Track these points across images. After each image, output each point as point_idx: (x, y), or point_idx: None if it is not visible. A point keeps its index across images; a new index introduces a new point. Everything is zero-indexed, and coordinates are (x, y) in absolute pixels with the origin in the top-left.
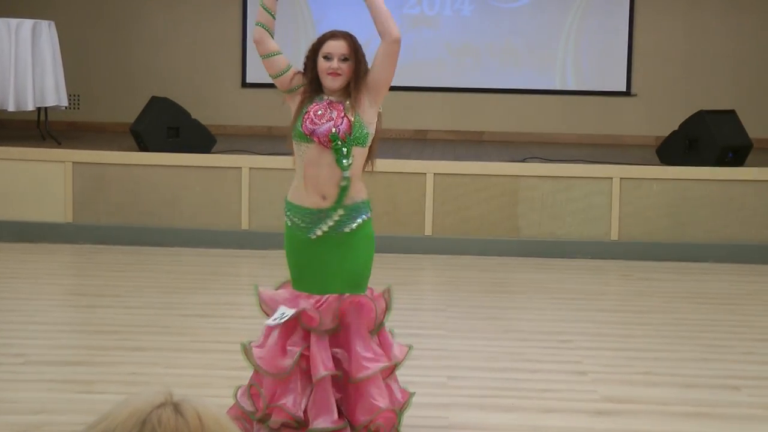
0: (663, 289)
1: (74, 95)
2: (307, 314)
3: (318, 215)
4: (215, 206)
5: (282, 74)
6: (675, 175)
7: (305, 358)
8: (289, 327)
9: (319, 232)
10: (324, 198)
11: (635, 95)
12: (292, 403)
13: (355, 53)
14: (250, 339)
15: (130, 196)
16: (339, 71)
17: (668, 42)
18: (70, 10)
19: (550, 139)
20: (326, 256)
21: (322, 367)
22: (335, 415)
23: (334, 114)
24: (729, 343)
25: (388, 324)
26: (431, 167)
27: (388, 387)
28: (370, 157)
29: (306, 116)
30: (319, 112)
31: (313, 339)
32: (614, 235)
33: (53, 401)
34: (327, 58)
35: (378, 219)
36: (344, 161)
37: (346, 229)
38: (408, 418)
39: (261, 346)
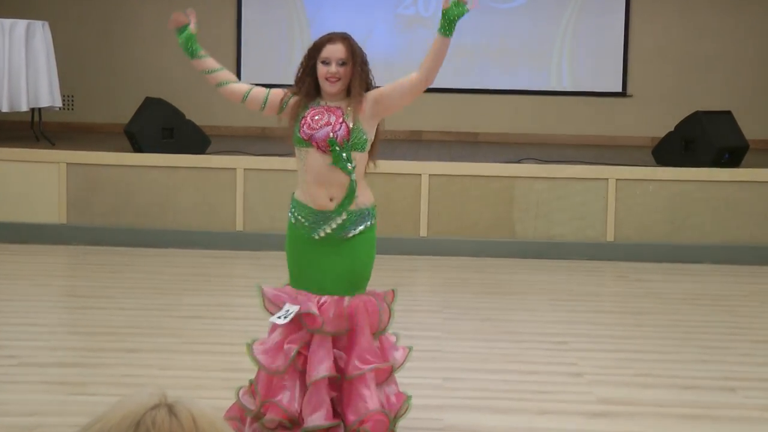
0: (659, 291)
1: (68, 96)
2: (309, 316)
3: (323, 216)
4: (209, 207)
5: (266, 103)
6: (671, 177)
7: (302, 357)
8: (293, 325)
9: (322, 233)
10: (331, 200)
11: (631, 96)
12: (287, 400)
13: (353, 56)
14: (246, 340)
15: (124, 197)
16: (338, 76)
17: (664, 43)
18: (64, 10)
19: (545, 139)
20: (327, 256)
21: (321, 368)
22: (329, 413)
23: (333, 119)
24: (725, 345)
25: (391, 328)
26: (426, 168)
27: (382, 390)
28: (371, 157)
29: (303, 121)
30: (317, 117)
31: (315, 339)
32: (610, 237)
33: (46, 403)
34: (325, 62)
35: None
36: (348, 165)
37: (349, 234)
38: (403, 420)
39: (264, 342)
